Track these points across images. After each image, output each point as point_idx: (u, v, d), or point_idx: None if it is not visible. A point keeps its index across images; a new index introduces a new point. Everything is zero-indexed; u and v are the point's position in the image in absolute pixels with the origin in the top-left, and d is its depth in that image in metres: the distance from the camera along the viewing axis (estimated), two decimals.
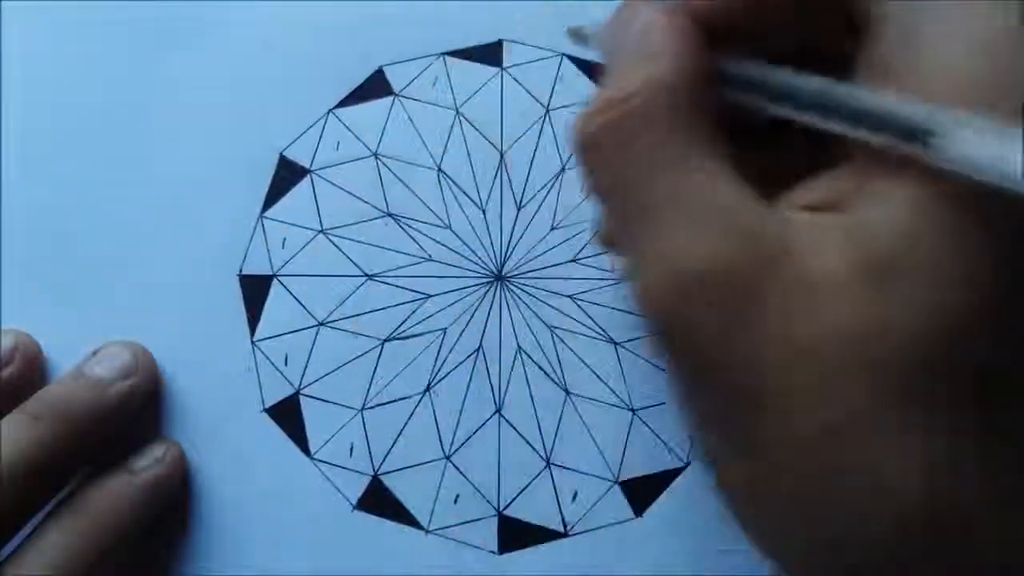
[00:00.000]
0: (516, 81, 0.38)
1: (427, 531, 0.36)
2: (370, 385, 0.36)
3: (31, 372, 0.36)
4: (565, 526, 0.35)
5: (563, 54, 0.38)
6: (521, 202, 0.37)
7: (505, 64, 0.38)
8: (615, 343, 0.36)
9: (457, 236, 0.37)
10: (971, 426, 0.21)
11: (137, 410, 0.35)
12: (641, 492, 0.36)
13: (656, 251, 0.23)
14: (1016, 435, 0.21)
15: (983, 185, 0.20)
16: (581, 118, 0.25)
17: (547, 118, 0.38)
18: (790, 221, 0.22)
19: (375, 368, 0.36)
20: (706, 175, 0.23)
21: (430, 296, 0.37)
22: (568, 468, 0.36)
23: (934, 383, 0.21)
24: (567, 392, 0.36)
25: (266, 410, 0.36)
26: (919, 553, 0.21)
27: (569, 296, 0.37)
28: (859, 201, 0.22)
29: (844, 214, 0.22)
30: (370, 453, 0.36)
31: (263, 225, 0.37)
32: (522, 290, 0.37)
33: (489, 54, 0.38)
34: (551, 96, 0.38)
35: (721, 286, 0.22)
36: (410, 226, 0.37)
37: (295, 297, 0.37)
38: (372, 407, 0.36)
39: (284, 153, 0.37)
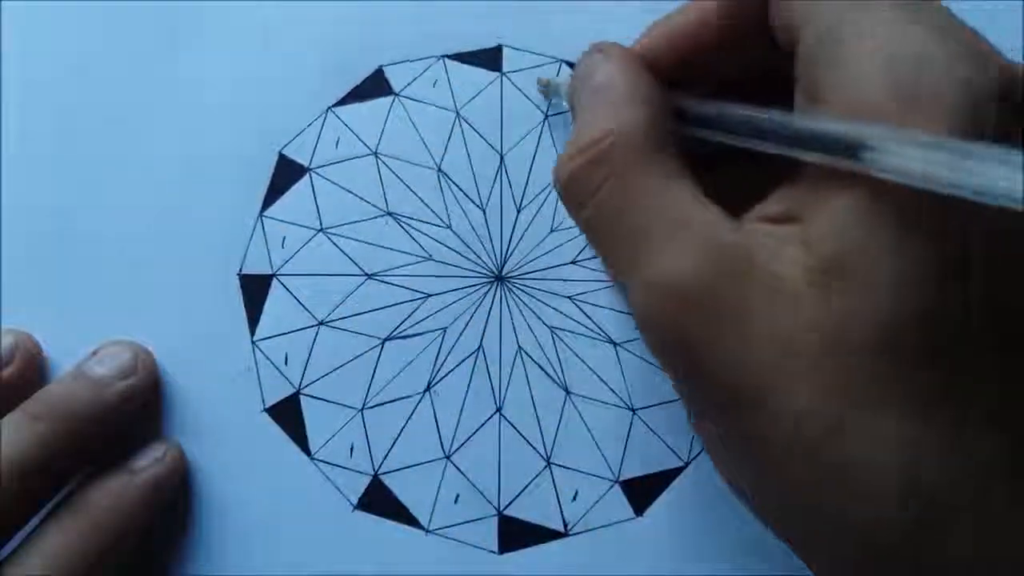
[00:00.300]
0: (515, 86, 0.38)
1: (427, 531, 0.35)
2: (370, 385, 0.36)
3: (31, 372, 0.36)
4: (565, 526, 0.35)
5: (562, 60, 0.38)
6: (521, 204, 0.37)
7: (504, 69, 0.38)
8: (615, 343, 0.36)
9: (457, 236, 0.37)
10: (944, 415, 0.23)
11: (137, 410, 0.35)
12: (641, 492, 0.36)
13: (642, 272, 0.25)
14: (987, 427, 0.23)
15: (917, 190, 0.22)
16: (560, 162, 0.29)
17: (546, 123, 0.38)
18: (753, 233, 0.25)
19: (375, 368, 0.36)
20: (676, 201, 0.26)
21: (430, 296, 0.37)
22: (568, 468, 0.36)
23: (899, 374, 0.23)
24: (567, 392, 0.36)
25: (266, 410, 0.36)
26: (897, 540, 0.23)
27: (569, 297, 0.37)
28: (811, 212, 0.24)
29: (799, 224, 0.24)
30: (370, 453, 0.36)
31: (263, 224, 0.37)
32: (522, 290, 0.37)
33: (489, 58, 0.38)
34: (550, 101, 0.38)
35: (701, 297, 0.24)
36: (410, 225, 0.37)
37: (295, 297, 0.37)
38: (372, 407, 0.36)
39: (283, 151, 0.38)
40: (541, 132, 0.38)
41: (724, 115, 0.28)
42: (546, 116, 0.38)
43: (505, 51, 0.38)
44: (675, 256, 0.25)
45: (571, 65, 0.38)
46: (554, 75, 0.37)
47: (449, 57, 0.38)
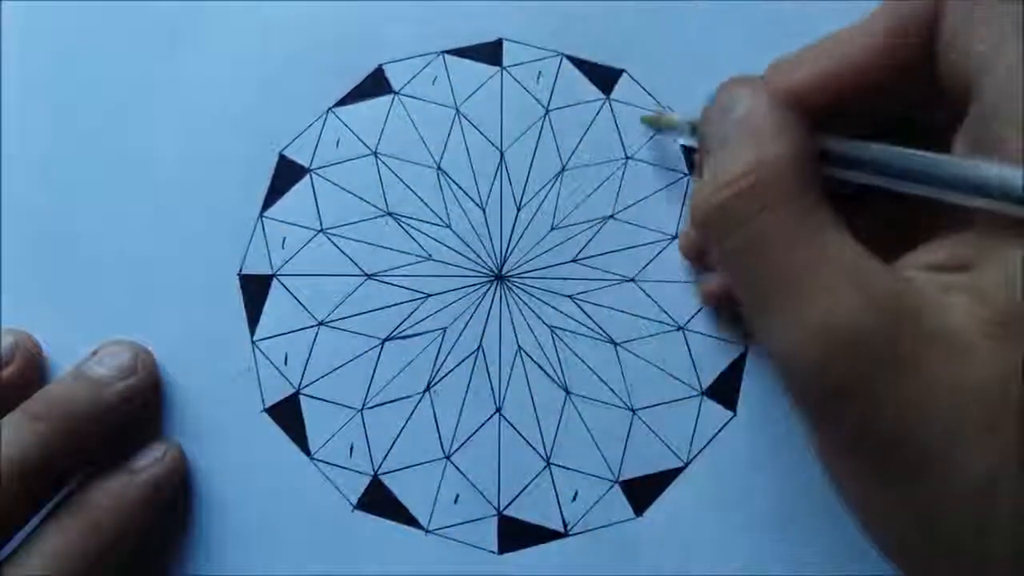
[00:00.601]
0: (516, 80, 0.38)
1: (427, 531, 0.36)
2: (370, 385, 0.36)
3: (31, 372, 0.36)
4: (565, 526, 0.35)
5: (562, 54, 0.38)
6: (521, 202, 0.37)
7: (505, 63, 0.38)
8: (615, 343, 0.36)
9: (457, 235, 0.37)
10: None
11: (137, 410, 0.35)
12: (641, 492, 0.36)
13: (799, 314, 0.24)
14: None
15: None
16: (701, 194, 0.27)
17: (547, 118, 0.38)
18: (919, 282, 0.24)
19: (375, 368, 0.36)
20: (835, 242, 0.25)
21: (430, 296, 0.37)
22: (568, 468, 0.36)
23: None
24: (567, 392, 0.36)
25: (266, 410, 0.36)
26: None
27: (569, 296, 0.37)
28: (983, 261, 0.23)
29: (969, 274, 0.24)
30: (370, 453, 0.36)
31: (263, 225, 0.37)
32: (522, 290, 0.37)
33: (488, 53, 0.38)
34: (551, 96, 0.38)
35: (869, 344, 0.23)
36: (410, 225, 0.37)
37: (295, 297, 0.37)
38: (372, 407, 0.36)
39: (284, 152, 0.37)
40: (542, 127, 0.38)
41: (877, 157, 0.27)
42: (547, 111, 0.38)
43: (505, 45, 0.38)
44: (840, 300, 0.24)
45: (571, 59, 0.38)
46: (659, 109, 0.37)
47: (449, 53, 0.38)
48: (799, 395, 0.26)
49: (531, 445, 0.36)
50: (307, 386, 0.36)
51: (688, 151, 0.37)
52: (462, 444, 0.36)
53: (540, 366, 0.36)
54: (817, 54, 0.29)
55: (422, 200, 0.37)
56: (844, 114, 0.29)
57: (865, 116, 0.30)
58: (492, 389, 0.36)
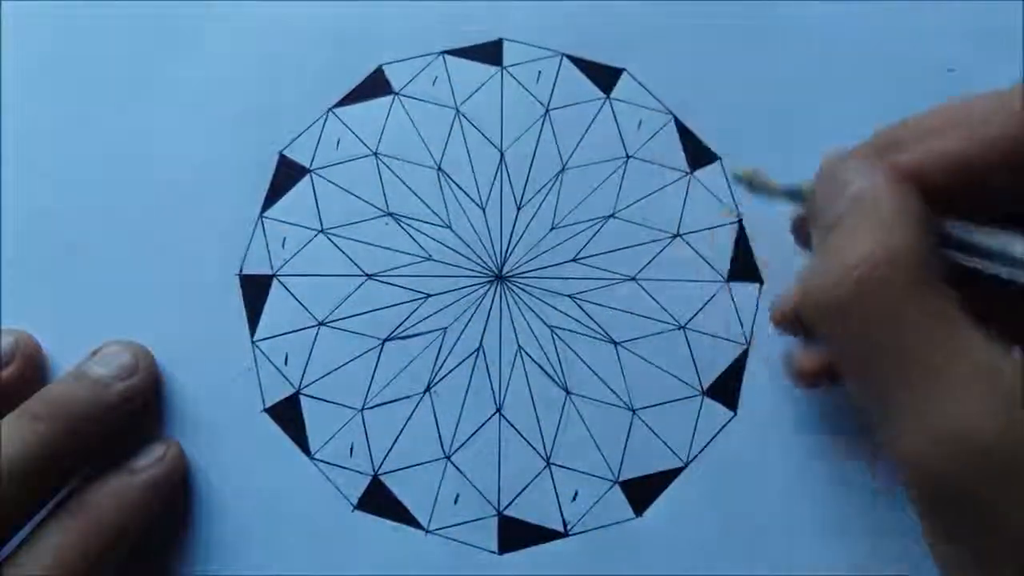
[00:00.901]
0: (516, 80, 0.38)
1: (427, 531, 0.36)
2: (370, 385, 0.36)
3: (31, 372, 0.36)
4: (565, 526, 0.35)
5: (563, 54, 0.38)
6: (521, 202, 0.37)
7: (505, 63, 0.38)
8: (615, 343, 0.36)
9: (457, 235, 0.37)
10: None
11: (137, 410, 0.35)
12: (641, 492, 0.36)
13: (925, 418, 0.23)
14: None
15: None
16: (815, 281, 0.26)
17: (547, 118, 0.38)
18: None
19: (375, 368, 0.36)
20: (961, 337, 0.24)
21: (430, 296, 0.37)
22: (568, 468, 0.36)
23: None
24: (567, 392, 0.36)
25: (266, 410, 0.36)
26: None
27: (569, 296, 0.37)
28: None
29: None
30: (370, 453, 0.36)
31: (263, 225, 0.37)
32: (522, 290, 0.37)
33: (489, 53, 0.38)
34: (551, 95, 0.38)
35: (1000, 453, 0.22)
36: (410, 225, 0.37)
37: (295, 297, 0.37)
38: (372, 407, 0.36)
39: (284, 152, 0.37)
40: (542, 127, 0.38)
41: (1006, 249, 0.26)
42: (547, 111, 0.38)
43: (505, 45, 0.38)
44: (971, 406, 0.23)
45: (572, 59, 0.38)
46: (750, 166, 0.35)
47: (449, 53, 0.38)
48: (918, 492, 0.25)
49: (531, 445, 0.36)
50: (307, 386, 0.36)
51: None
52: (462, 444, 0.36)
53: (540, 366, 0.36)
54: (942, 126, 0.28)
55: (422, 200, 0.37)
56: (970, 195, 0.27)
57: (993, 198, 0.28)
58: (492, 389, 0.36)
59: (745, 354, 0.36)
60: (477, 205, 0.37)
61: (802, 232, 0.34)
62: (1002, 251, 0.26)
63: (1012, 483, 0.22)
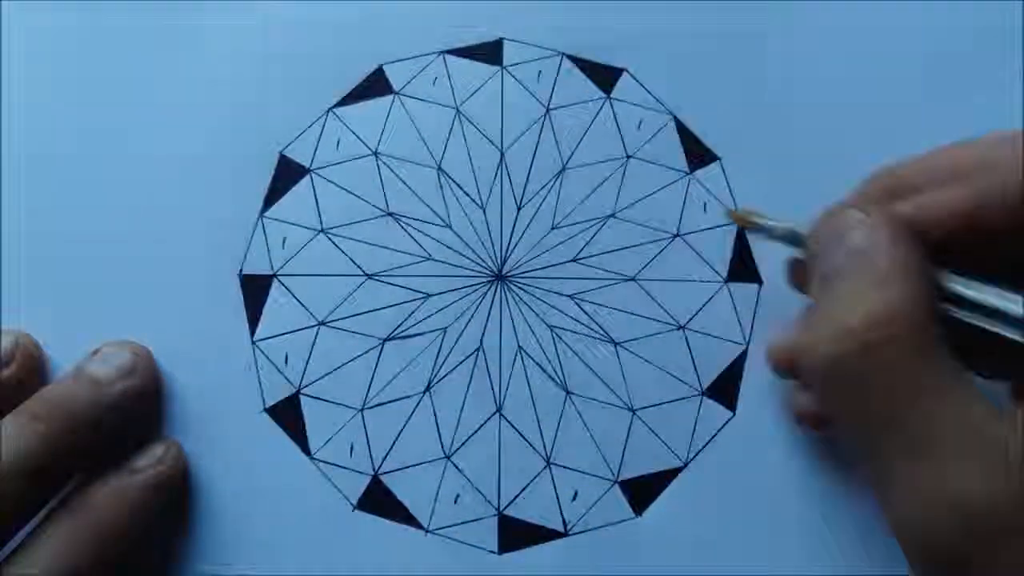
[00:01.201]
0: (516, 80, 0.38)
1: (427, 531, 0.36)
2: (370, 385, 0.36)
3: (31, 372, 0.36)
4: (565, 526, 0.35)
5: (563, 53, 0.38)
6: (521, 201, 0.37)
7: (505, 63, 0.38)
8: (615, 343, 0.36)
9: (457, 235, 0.37)
10: None
11: (137, 410, 0.35)
12: (641, 492, 0.36)
13: (927, 485, 0.23)
14: None
15: None
16: (813, 339, 0.26)
17: (547, 117, 0.38)
18: None
19: (375, 368, 0.36)
20: (963, 403, 0.24)
21: (430, 296, 0.37)
22: (568, 468, 0.36)
23: None
24: (567, 392, 0.36)
25: (266, 410, 0.36)
26: None
27: (569, 296, 0.37)
28: None
29: None
30: (370, 453, 0.36)
31: (263, 225, 0.37)
32: (522, 290, 0.37)
33: (489, 52, 0.38)
34: (551, 95, 0.38)
35: (998, 518, 0.22)
36: (410, 225, 0.37)
37: (295, 297, 0.37)
38: (372, 407, 0.36)
39: (284, 152, 0.37)
40: (542, 127, 0.38)
41: (1009, 309, 0.26)
42: (547, 110, 0.38)
43: (505, 44, 0.38)
44: (969, 475, 0.23)
45: (572, 58, 0.38)
46: (746, 207, 0.36)
47: (449, 52, 0.38)
48: (913, 557, 0.24)
49: (531, 445, 0.36)
50: (307, 386, 0.36)
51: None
52: (462, 444, 0.36)
53: (540, 366, 0.36)
54: (943, 172, 0.27)
55: (422, 200, 0.37)
56: (971, 245, 0.27)
57: (995, 248, 0.27)
58: (492, 389, 0.36)
59: (744, 355, 0.36)
60: (477, 205, 0.37)
61: (796, 275, 0.34)
62: (1003, 311, 0.26)
63: (1006, 548, 0.22)
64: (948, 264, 0.27)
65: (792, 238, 0.32)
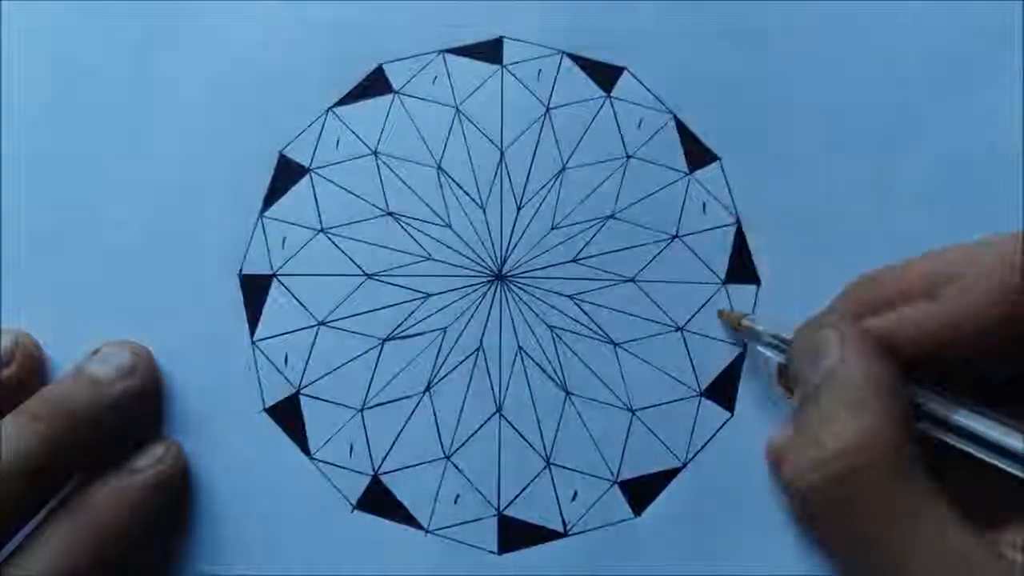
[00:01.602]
0: (516, 79, 0.38)
1: (427, 531, 0.36)
2: (370, 385, 0.36)
3: (31, 372, 0.36)
4: (565, 526, 0.36)
5: (563, 52, 0.38)
6: (521, 201, 0.37)
7: (505, 61, 0.38)
8: (615, 343, 0.36)
9: (457, 235, 0.37)
10: None
11: (137, 410, 0.35)
12: (641, 492, 0.36)
13: None
14: None
15: None
16: (793, 467, 0.27)
17: (547, 117, 0.38)
18: (1017, 567, 0.23)
19: (375, 368, 0.36)
20: (938, 529, 0.24)
21: (430, 296, 0.37)
22: (568, 468, 0.36)
23: None
24: (567, 392, 0.36)
25: (266, 410, 0.36)
26: None
27: (569, 296, 0.37)
28: None
29: None
30: (370, 453, 0.36)
31: (263, 225, 0.37)
32: (522, 290, 0.37)
33: (489, 51, 0.38)
34: (551, 94, 0.38)
35: None
36: (410, 225, 0.37)
37: (295, 297, 0.37)
38: (372, 407, 0.36)
39: (284, 152, 0.37)
40: (542, 126, 0.38)
41: (986, 434, 0.26)
42: (547, 109, 0.38)
43: (506, 43, 0.38)
44: None
45: (572, 57, 0.38)
46: (736, 310, 0.36)
47: (449, 52, 0.38)
48: None
49: (531, 445, 0.36)
50: (307, 386, 0.36)
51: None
52: (462, 444, 0.36)
53: (540, 366, 0.36)
54: (919, 286, 0.28)
55: (422, 200, 0.37)
56: (947, 362, 0.27)
57: (970, 366, 0.27)
58: (492, 389, 0.36)
59: (742, 356, 0.36)
60: (477, 205, 0.37)
61: (784, 380, 0.34)
62: (978, 435, 0.26)
63: None
64: (924, 378, 0.27)
65: (779, 345, 0.33)
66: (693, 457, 0.36)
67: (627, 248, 0.37)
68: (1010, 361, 0.27)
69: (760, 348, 0.34)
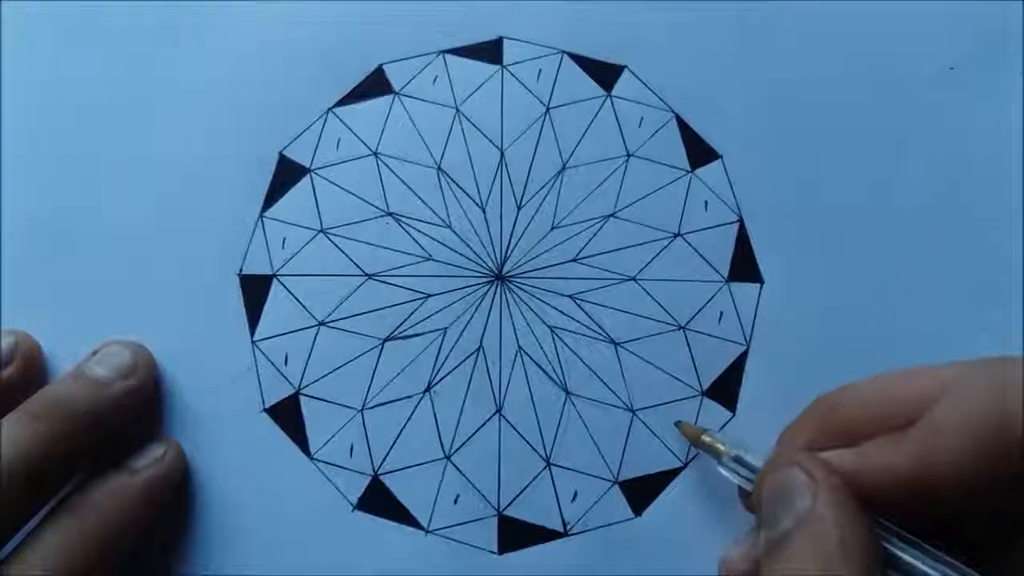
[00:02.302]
0: (516, 79, 0.38)
1: (427, 531, 0.36)
2: (370, 385, 0.36)
3: (31, 372, 0.36)
4: (565, 526, 0.35)
5: (563, 52, 0.38)
6: (521, 201, 0.37)
7: (505, 61, 0.38)
8: (615, 343, 0.36)
9: (457, 235, 0.37)
10: None
11: (137, 410, 0.35)
12: (641, 492, 0.36)
13: None
14: None
15: None
16: None
17: (547, 116, 0.38)
18: None
19: (375, 368, 0.36)
20: None
21: (430, 296, 0.37)
22: (568, 468, 0.36)
23: None
24: (567, 392, 0.36)
25: (266, 410, 0.36)
26: None
27: (569, 296, 0.37)
28: None
29: None
30: (370, 453, 0.36)
31: (263, 225, 0.37)
32: (522, 290, 0.37)
33: (489, 51, 0.38)
34: (551, 94, 0.38)
35: None
36: (410, 225, 0.37)
37: (295, 297, 0.37)
38: (372, 407, 0.36)
39: (284, 152, 0.37)
40: (543, 126, 0.38)
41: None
42: (547, 109, 0.37)
43: (506, 43, 0.38)
44: None
45: (572, 56, 0.38)
46: (702, 428, 0.35)
47: (449, 52, 0.38)
48: None
49: (531, 445, 0.36)
50: (307, 386, 0.36)
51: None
52: (462, 444, 0.36)
53: (540, 366, 0.36)
54: (889, 418, 0.27)
55: (422, 200, 0.37)
56: (917, 506, 0.27)
57: (942, 510, 0.27)
58: (492, 389, 0.36)
59: (744, 355, 0.36)
60: (477, 205, 0.37)
61: (748, 502, 0.34)
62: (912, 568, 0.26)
63: None
64: (894, 516, 0.27)
65: (739, 467, 0.32)
66: (694, 457, 0.36)
67: (628, 247, 0.37)
68: (983, 500, 0.26)
69: (720, 469, 0.33)
